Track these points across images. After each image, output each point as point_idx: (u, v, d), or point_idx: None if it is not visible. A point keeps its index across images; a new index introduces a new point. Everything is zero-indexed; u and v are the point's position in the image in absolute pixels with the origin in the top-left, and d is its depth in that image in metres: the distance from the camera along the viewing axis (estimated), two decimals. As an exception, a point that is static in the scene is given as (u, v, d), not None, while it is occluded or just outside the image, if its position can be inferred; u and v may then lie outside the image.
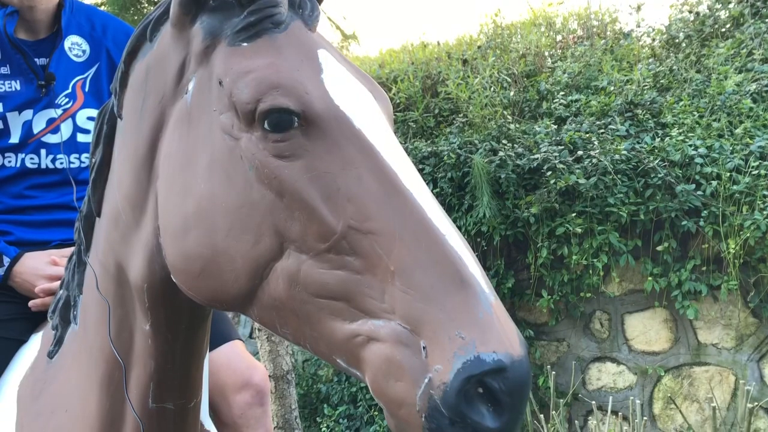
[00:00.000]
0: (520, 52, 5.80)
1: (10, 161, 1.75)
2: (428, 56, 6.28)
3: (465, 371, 0.70)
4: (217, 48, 0.92)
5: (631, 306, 4.68)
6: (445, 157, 4.90)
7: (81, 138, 1.79)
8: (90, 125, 1.80)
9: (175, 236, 0.94)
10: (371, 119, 0.89)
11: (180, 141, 0.95)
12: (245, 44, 0.91)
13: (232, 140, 0.89)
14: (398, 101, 5.78)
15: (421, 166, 5.00)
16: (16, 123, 1.72)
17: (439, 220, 0.81)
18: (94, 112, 1.80)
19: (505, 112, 5.16)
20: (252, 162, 0.86)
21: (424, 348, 0.73)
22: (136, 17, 3.71)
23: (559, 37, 6.70)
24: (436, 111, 5.69)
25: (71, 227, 1.81)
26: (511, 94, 5.25)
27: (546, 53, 6.00)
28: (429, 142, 5.30)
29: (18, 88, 1.70)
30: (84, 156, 1.80)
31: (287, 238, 0.85)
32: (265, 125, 0.85)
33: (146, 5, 3.64)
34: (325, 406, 5.44)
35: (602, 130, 4.67)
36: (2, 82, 1.70)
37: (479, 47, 6.16)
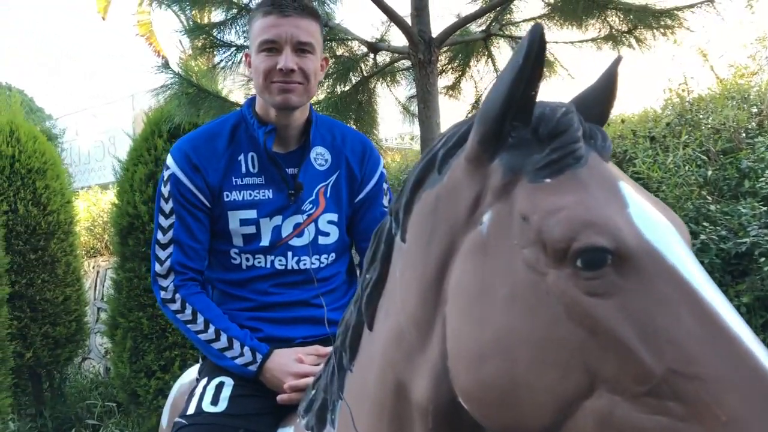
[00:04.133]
0: (715, 128, 5.48)
1: (260, 262, 1.91)
2: (611, 134, 6.11)
3: None
4: (518, 184, 0.96)
5: None
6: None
7: (321, 240, 1.93)
8: (329, 228, 1.94)
9: (470, 364, 0.96)
10: (680, 253, 0.88)
11: (474, 270, 0.98)
12: (548, 180, 0.93)
13: (536, 275, 0.90)
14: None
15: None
16: (267, 228, 1.88)
17: None
18: (333, 216, 1.94)
19: (702, 192, 4.86)
20: (561, 298, 0.87)
21: None
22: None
23: (754, 109, 6.26)
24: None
25: (311, 324, 1.93)
26: (709, 173, 4.94)
27: (741, 128, 5.61)
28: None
29: (270, 196, 1.88)
30: (323, 257, 1.93)
31: (599, 377, 0.84)
32: (578, 263, 0.86)
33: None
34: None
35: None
36: (258, 191, 1.88)
37: (668, 124, 5.90)
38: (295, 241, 1.91)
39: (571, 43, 4.14)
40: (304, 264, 1.92)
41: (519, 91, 0.93)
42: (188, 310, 1.86)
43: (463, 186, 1.03)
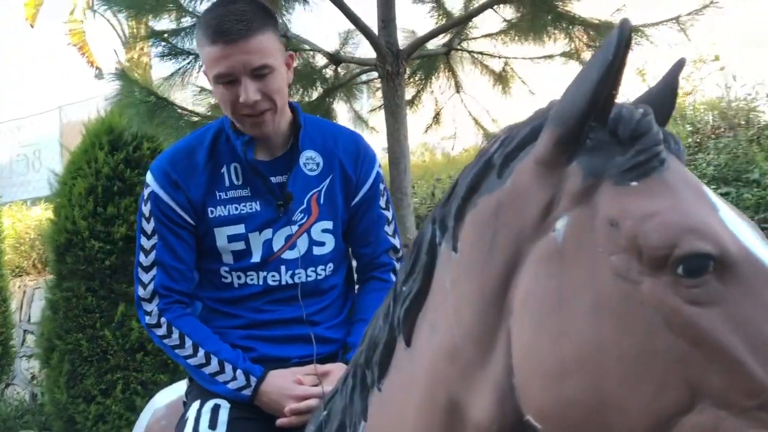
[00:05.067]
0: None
1: (252, 279, 1.79)
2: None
3: None
4: (600, 188, 0.91)
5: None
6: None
7: (316, 251, 1.82)
8: (324, 237, 1.83)
9: (547, 381, 0.90)
10: None
11: (549, 279, 0.93)
12: (634, 183, 0.89)
13: (627, 283, 0.85)
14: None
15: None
16: (257, 243, 1.77)
17: None
18: (328, 224, 1.83)
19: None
20: (658, 308, 0.82)
21: None
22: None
23: (689, 128, 6.54)
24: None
25: (307, 343, 1.82)
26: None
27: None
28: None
29: (257, 208, 1.76)
30: (320, 268, 1.83)
31: (702, 391, 0.80)
32: (679, 270, 0.81)
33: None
34: None
35: (765, 225, 4.43)
36: (244, 204, 1.77)
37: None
38: (288, 255, 1.80)
39: (531, 59, 4.20)
40: (299, 278, 1.81)
41: (607, 89, 0.89)
42: (175, 335, 1.73)
43: (531, 190, 0.97)
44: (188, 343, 1.72)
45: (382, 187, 1.94)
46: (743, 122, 5.95)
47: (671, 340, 0.81)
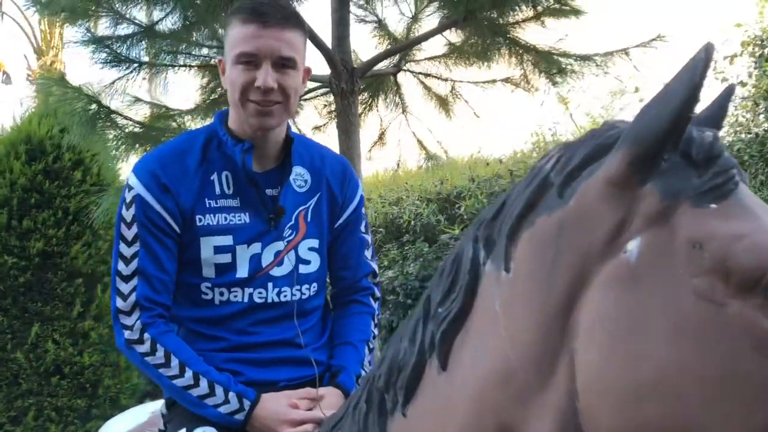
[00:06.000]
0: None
1: (236, 296, 1.71)
2: (489, 173, 6.40)
3: None
4: (678, 209, 0.91)
5: None
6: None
7: (302, 269, 1.76)
8: (311, 256, 1.78)
9: (622, 405, 0.89)
10: None
11: (620, 301, 0.92)
12: (713, 205, 0.89)
13: (712, 305, 0.85)
14: (466, 217, 5.84)
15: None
16: (243, 256, 1.69)
17: None
18: (314, 243, 1.78)
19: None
20: (749, 330, 0.83)
21: None
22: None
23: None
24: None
25: (296, 365, 1.75)
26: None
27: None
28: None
29: (247, 220, 1.69)
30: (305, 287, 1.77)
31: None
32: None
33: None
34: None
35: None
36: (233, 215, 1.69)
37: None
38: (276, 271, 1.73)
39: (475, 83, 4.29)
40: (285, 296, 1.74)
41: (690, 110, 0.89)
42: (160, 352, 1.61)
43: (599, 211, 0.96)
44: (174, 362, 1.60)
45: (364, 211, 1.92)
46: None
47: (760, 361, 0.82)
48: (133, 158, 3.92)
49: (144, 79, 3.57)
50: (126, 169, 5.52)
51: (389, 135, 4.62)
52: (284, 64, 1.59)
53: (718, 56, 6.57)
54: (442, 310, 1.14)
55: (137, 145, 3.51)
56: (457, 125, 4.36)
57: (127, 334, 1.62)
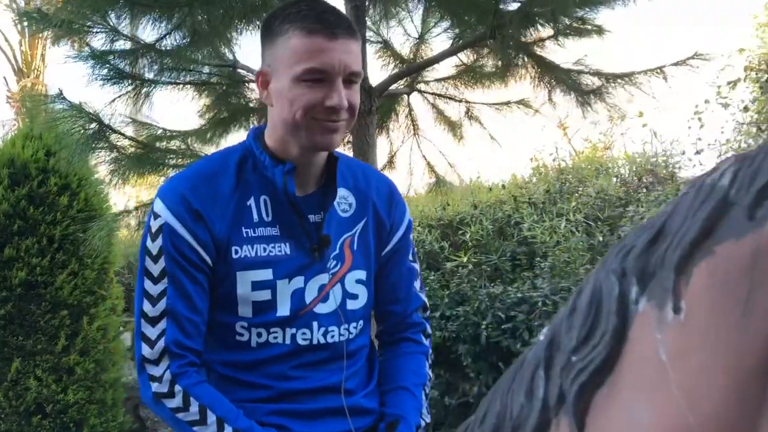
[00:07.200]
0: (596, 196, 5.79)
1: (276, 338, 1.49)
2: (492, 198, 6.23)
3: None
4: None
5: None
6: (541, 304, 4.67)
7: (349, 305, 1.55)
8: (358, 289, 1.57)
9: None
10: None
11: None
12: None
13: None
14: (471, 244, 5.64)
15: (512, 313, 4.76)
16: (284, 292, 1.47)
17: None
18: (362, 274, 1.57)
19: (587, 256, 5.03)
20: None
21: None
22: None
23: (614, 180, 6.74)
24: (509, 254, 5.54)
25: (342, 417, 1.51)
26: (600, 238, 5.14)
27: (614, 197, 6.01)
28: (515, 287, 5.09)
29: (288, 252, 1.47)
30: (352, 326, 1.56)
31: None
32: None
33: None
34: None
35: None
36: (273, 245, 1.47)
37: (547, 191, 6.14)
38: (321, 308, 1.51)
39: (489, 104, 4.13)
40: (333, 337, 1.51)
41: None
42: (194, 407, 1.37)
43: None
44: (211, 418, 1.38)
45: (411, 237, 1.70)
46: (669, 177, 6.18)
47: None
48: (128, 186, 3.68)
49: (146, 97, 3.33)
50: (116, 195, 5.24)
51: (399, 158, 4.44)
52: (352, 80, 1.40)
53: (721, 81, 6.54)
54: (576, 359, 0.93)
55: (139, 169, 3.26)
56: (466, 149, 4.19)
57: (155, 386, 1.39)
